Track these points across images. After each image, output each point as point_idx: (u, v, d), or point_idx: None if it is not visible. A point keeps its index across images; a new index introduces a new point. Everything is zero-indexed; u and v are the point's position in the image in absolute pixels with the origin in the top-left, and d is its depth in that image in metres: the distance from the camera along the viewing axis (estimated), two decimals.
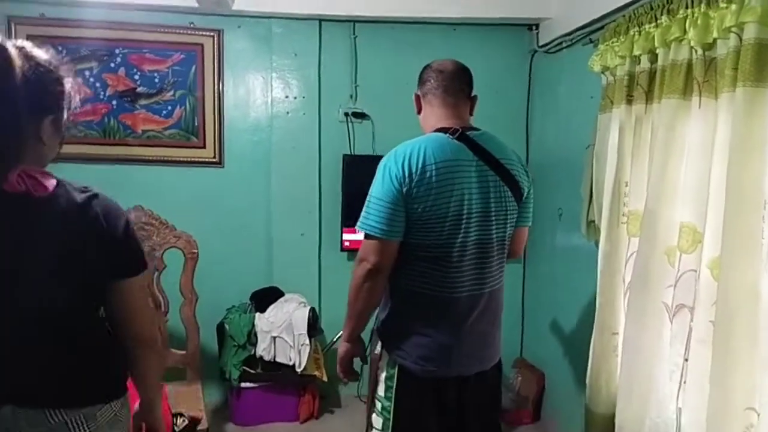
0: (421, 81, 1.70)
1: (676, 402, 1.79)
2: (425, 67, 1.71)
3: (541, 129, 3.19)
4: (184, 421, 1.91)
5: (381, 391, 1.66)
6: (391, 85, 3.26)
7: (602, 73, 2.19)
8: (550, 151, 3.08)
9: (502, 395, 1.82)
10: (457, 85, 1.64)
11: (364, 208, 1.55)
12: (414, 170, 1.50)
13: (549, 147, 3.09)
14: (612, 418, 1.97)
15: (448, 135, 1.58)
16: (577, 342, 2.70)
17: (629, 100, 1.98)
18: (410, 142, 1.57)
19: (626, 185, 2.01)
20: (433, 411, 1.63)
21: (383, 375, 1.66)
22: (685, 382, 1.73)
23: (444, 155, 1.53)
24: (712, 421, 1.50)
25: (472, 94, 1.70)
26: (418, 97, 1.72)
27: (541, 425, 3.10)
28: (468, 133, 1.60)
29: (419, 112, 1.73)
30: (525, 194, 1.69)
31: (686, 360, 1.73)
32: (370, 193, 1.56)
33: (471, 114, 1.71)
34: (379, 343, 1.70)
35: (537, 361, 3.23)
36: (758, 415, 1.44)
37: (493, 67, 3.26)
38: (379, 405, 1.67)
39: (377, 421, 1.67)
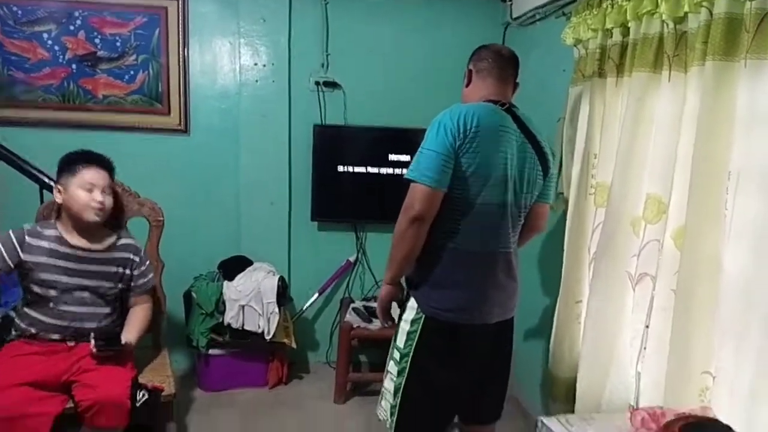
0: (478, 58, 1.82)
1: (635, 367, 1.87)
2: (483, 47, 1.84)
3: (514, 102, 3.20)
4: (143, 395, 1.89)
5: (401, 341, 1.77)
6: (364, 54, 3.22)
7: (574, 46, 2.20)
8: (535, 125, 3.09)
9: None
10: (511, 70, 1.81)
11: (415, 158, 1.63)
12: (468, 127, 1.60)
13: (534, 122, 3.10)
14: (574, 382, 2.04)
15: (497, 105, 1.71)
16: (541, 310, 2.77)
17: (600, 74, 2.01)
18: (464, 105, 1.69)
19: (595, 157, 2.04)
20: (450, 359, 1.74)
21: (406, 326, 1.76)
22: (645, 348, 1.80)
23: (494, 120, 1.66)
24: (670, 384, 1.57)
25: (517, 81, 1.85)
26: (470, 72, 1.83)
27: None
28: (513, 108, 1.77)
29: (468, 84, 1.84)
30: (550, 171, 1.85)
31: (647, 327, 1.79)
32: (422, 145, 1.63)
33: (512, 96, 1.86)
34: (407, 293, 1.80)
35: None
36: (713, 378, 1.51)
37: (466, 39, 3.18)
38: (397, 354, 1.78)
39: (393, 368, 1.79)
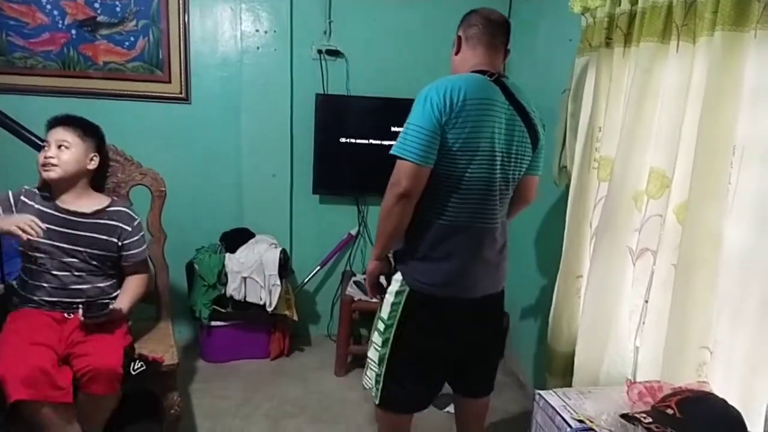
0: (468, 24, 1.76)
1: (634, 341, 1.86)
2: (472, 12, 1.77)
3: (518, 73, 3.14)
4: (140, 366, 1.90)
5: (385, 313, 1.78)
6: (368, 23, 3.15)
7: (582, 14, 2.15)
8: (525, 95, 3.04)
9: (504, 318, 1.98)
10: (502, 37, 1.75)
11: (401, 134, 1.60)
12: (455, 102, 1.57)
13: (525, 91, 3.05)
14: (572, 355, 2.04)
15: (485, 77, 1.66)
16: (541, 285, 2.77)
17: (608, 43, 1.96)
18: (451, 77, 1.65)
19: (599, 130, 2.01)
20: (433, 331, 1.75)
21: (391, 297, 1.77)
22: (643, 323, 1.79)
23: (481, 93, 1.62)
24: (668, 358, 1.57)
25: (508, 47, 1.79)
26: (459, 39, 1.78)
27: (505, 362, 3.21)
28: (502, 79, 1.71)
29: (457, 52, 1.79)
30: (540, 143, 1.82)
31: (646, 301, 1.78)
32: (408, 120, 1.60)
33: (503, 64, 1.80)
34: (394, 267, 1.80)
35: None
36: (711, 353, 1.51)
37: (471, 8, 3.17)
38: (381, 325, 1.80)
39: (378, 339, 1.81)
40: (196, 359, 3.06)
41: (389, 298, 1.78)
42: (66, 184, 2.01)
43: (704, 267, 1.47)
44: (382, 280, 1.84)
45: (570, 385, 2.01)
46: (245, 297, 2.91)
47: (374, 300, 1.92)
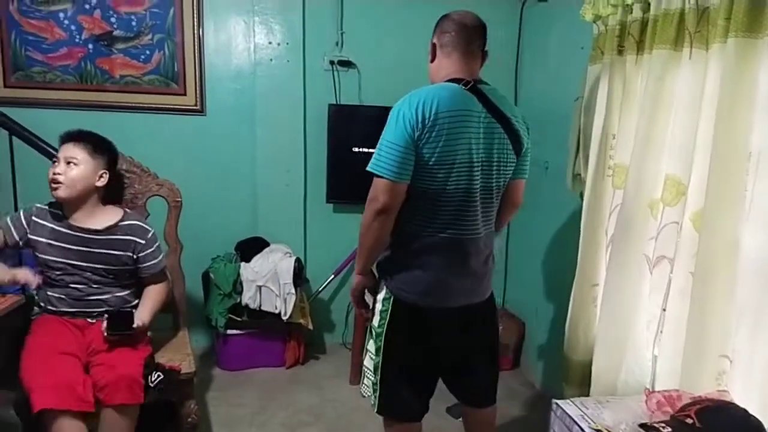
0: (441, 31, 1.72)
1: (652, 350, 1.85)
2: (445, 17, 1.73)
3: (530, 81, 3.16)
4: (158, 376, 1.90)
5: (375, 321, 1.80)
6: (379, 33, 3.18)
7: (594, 22, 2.15)
8: (538, 103, 3.05)
9: (498, 325, 1.97)
10: (477, 42, 1.70)
11: (376, 151, 1.60)
12: (427, 116, 1.55)
13: (537, 99, 3.07)
14: (589, 365, 2.03)
15: (460, 86, 1.63)
16: (557, 293, 2.75)
17: (620, 51, 1.96)
18: (424, 89, 1.62)
19: (613, 138, 2.00)
20: (422, 337, 1.76)
21: (379, 305, 1.78)
22: (661, 332, 1.78)
23: (456, 104, 1.59)
24: (687, 367, 1.56)
25: (485, 50, 1.75)
26: (434, 46, 1.74)
27: (520, 372, 3.20)
28: (479, 86, 1.67)
29: (432, 60, 1.75)
30: (524, 148, 1.78)
31: (664, 310, 1.77)
32: (382, 136, 1.60)
33: (480, 68, 1.76)
34: (379, 278, 1.81)
35: (518, 310, 3.30)
36: (730, 362, 1.49)
37: (482, 16, 3.16)
38: (373, 333, 1.81)
39: (372, 347, 1.81)
40: (212, 368, 3.08)
41: (378, 306, 1.79)
42: (75, 201, 1.99)
43: (722, 275, 1.46)
44: (368, 296, 1.85)
45: (587, 395, 1.99)
46: (260, 306, 2.93)
47: (363, 314, 1.91)
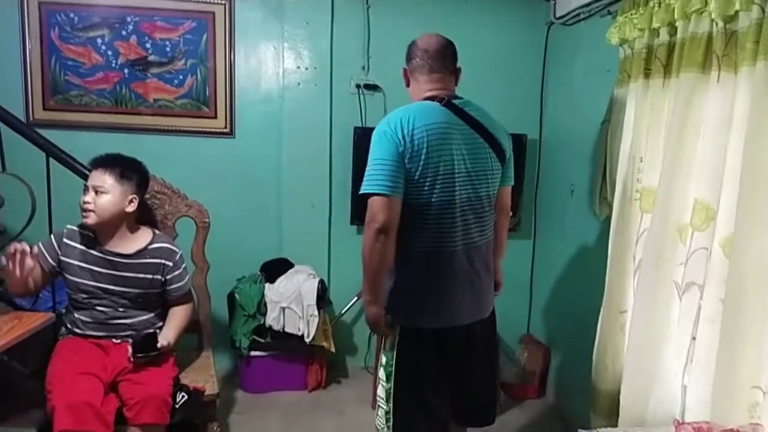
0: (408, 57, 1.82)
1: (681, 380, 1.79)
2: (411, 44, 1.82)
3: (555, 104, 3.14)
4: (183, 397, 1.92)
5: (384, 346, 1.81)
6: (404, 57, 3.20)
7: (620, 45, 2.14)
8: (563, 126, 3.04)
9: (498, 343, 1.99)
10: (441, 61, 1.76)
11: (366, 174, 1.65)
12: (406, 132, 1.62)
13: (562, 122, 3.05)
14: (617, 394, 1.97)
15: (436, 102, 1.71)
16: (583, 319, 2.69)
17: (647, 74, 1.94)
18: (400, 109, 1.70)
19: (641, 161, 1.98)
20: (432, 359, 1.76)
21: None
22: (691, 361, 1.72)
23: (433, 119, 1.66)
24: (718, 398, 1.50)
25: (457, 66, 1.82)
26: (405, 72, 1.84)
27: (546, 400, 3.12)
28: (453, 101, 1.74)
29: (407, 85, 1.85)
30: (507, 156, 1.83)
31: (693, 338, 1.72)
32: (369, 158, 1.65)
33: (456, 84, 1.83)
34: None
35: (543, 337, 3.24)
36: (764, 393, 1.44)
37: (508, 39, 3.20)
38: (384, 359, 1.81)
39: (382, 374, 1.81)
40: (235, 389, 3.08)
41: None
42: (106, 227, 2.01)
43: (753, 302, 1.42)
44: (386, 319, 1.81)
45: (615, 425, 1.94)
46: (284, 327, 2.94)
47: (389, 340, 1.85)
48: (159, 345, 1.99)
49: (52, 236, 2.07)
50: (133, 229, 2.09)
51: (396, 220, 1.62)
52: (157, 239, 2.13)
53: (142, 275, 2.06)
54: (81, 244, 2.04)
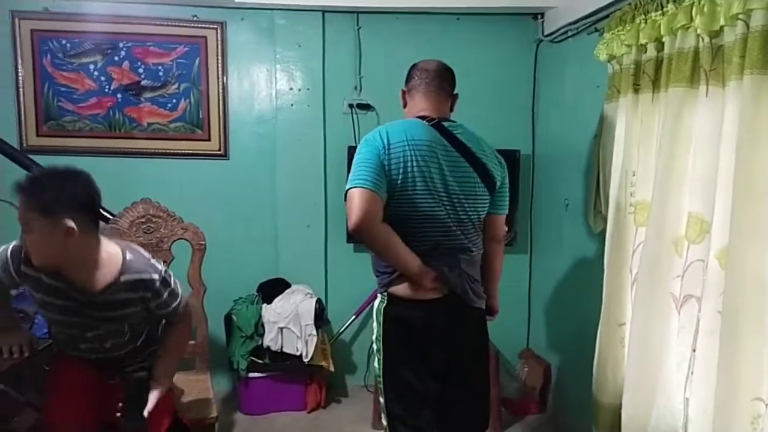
0: (408, 77, 1.88)
1: (683, 392, 1.79)
2: (412, 66, 1.88)
3: (547, 119, 3.17)
4: None
5: (374, 335, 1.83)
6: (396, 76, 3.19)
7: (608, 62, 2.17)
8: (556, 141, 3.06)
9: (488, 342, 1.95)
10: (438, 83, 1.81)
11: (349, 176, 1.68)
12: (390, 142, 1.67)
13: (555, 137, 3.08)
14: (618, 408, 1.97)
15: (424, 121, 1.75)
16: (583, 333, 2.69)
17: (636, 89, 1.97)
18: (388, 123, 1.76)
19: (633, 175, 2.00)
20: (409, 346, 1.76)
21: (374, 321, 1.82)
22: (692, 373, 1.73)
23: (416, 135, 1.70)
24: (719, 411, 1.50)
25: (454, 92, 1.86)
26: (404, 93, 1.90)
27: (547, 415, 3.11)
28: (443, 122, 1.77)
29: (405, 106, 1.90)
30: (498, 185, 1.83)
31: (694, 351, 1.72)
32: (353, 164, 1.69)
33: (452, 110, 1.88)
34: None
35: (543, 351, 3.23)
36: (766, 405, 1.44)
37: (498, 57, 3.23)
38: (375, 347, 1.84)
39: (376, 361, 1.84)
40: (233, 412, 3.05)
41: (374, 321, 1.83)
42: (62, 265, 1.61)
43: (751, 314, 1.43)
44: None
45: None
46: (282, 348, 2.92)
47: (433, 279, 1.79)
48: (151, 397, 1.77)
49: (9, 262, 1.65)
50: (94, 254, 1.65)
51: (374, 210, 1.61)
52: (127, 268, 1.70)
53: (114, 313, 1.72)
54: (40, 272, 1.64)
